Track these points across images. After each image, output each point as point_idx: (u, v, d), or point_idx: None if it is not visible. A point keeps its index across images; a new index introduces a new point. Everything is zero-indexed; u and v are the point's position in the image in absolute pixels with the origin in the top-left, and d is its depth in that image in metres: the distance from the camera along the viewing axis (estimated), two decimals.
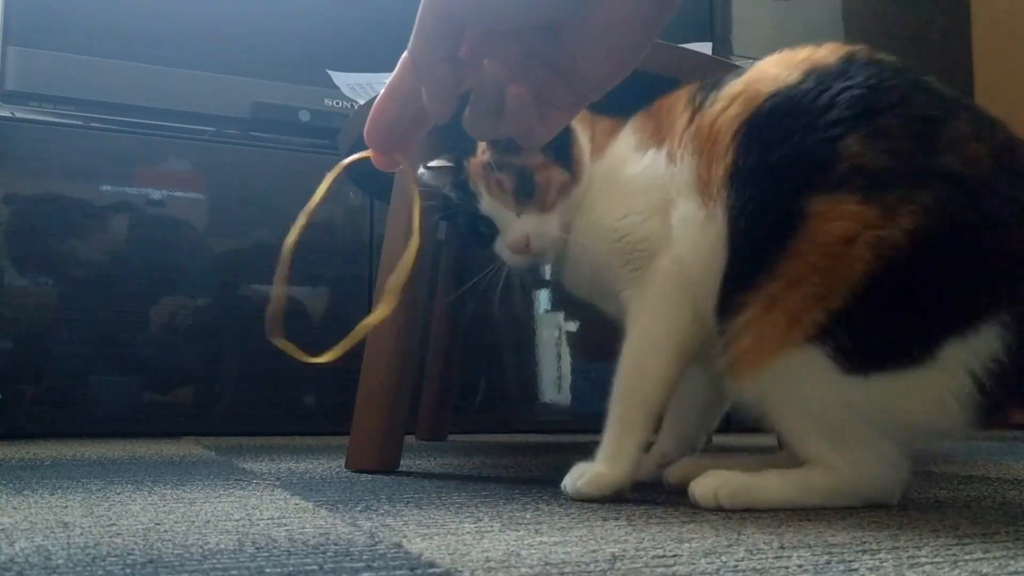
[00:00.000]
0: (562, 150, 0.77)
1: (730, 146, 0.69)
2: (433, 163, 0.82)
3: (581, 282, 0.82)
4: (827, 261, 0.63)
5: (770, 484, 0.68)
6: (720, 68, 0.94)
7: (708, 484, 0.67)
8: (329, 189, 0.52)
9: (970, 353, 0.62)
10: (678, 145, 0.74)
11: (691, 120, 0.74)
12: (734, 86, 0.72)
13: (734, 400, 0.72)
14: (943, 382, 0.63)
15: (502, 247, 0.79)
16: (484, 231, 0.79)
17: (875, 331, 0.63)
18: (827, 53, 0.70)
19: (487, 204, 0.78)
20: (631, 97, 0.75)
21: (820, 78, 0.67)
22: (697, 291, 0.71)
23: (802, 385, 0.66)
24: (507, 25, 0.46)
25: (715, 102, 0.72)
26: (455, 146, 0.81)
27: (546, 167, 0.77)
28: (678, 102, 0.76)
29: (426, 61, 0.46)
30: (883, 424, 0.65)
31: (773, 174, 0.67)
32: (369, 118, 0.50)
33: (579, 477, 0.71)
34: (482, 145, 0.79)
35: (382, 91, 0.50)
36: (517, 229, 0.77)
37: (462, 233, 0.84)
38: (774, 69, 0.71)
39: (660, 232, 0.73)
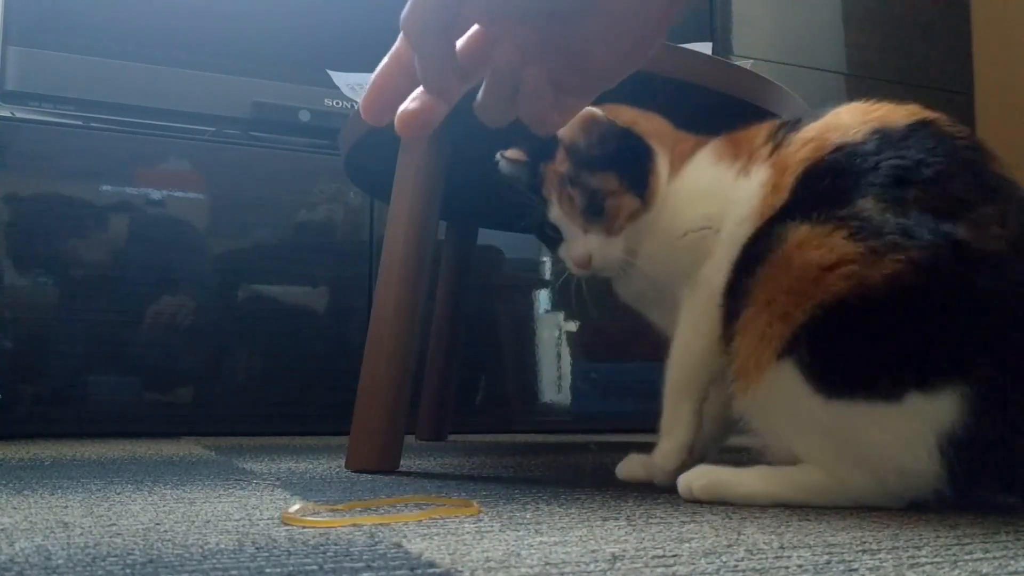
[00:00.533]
0: (638, 176, 0.79)
1: (790, 185, 0.71)
2: (509, 153, 0.84)
3: (635, 293, 0.85)
4: (798, 284, 0.64)
5: (750, 479, 0.68)
6: (721, 69, 0.94)
7: (686, 477, 0.69)
8: None
9: (929, 410, 0.61)
10: (754, 164, 0.75)
11: (771, 154, 0.75)
12: (809, 130, 0.73)
13: (744, 418, 0.73)
14: (906, 428, 0.62)
15: (566, 256, 0.82)
16: (551, 234, 0.82)
17: (844, 357, 0.64)
18: (902, 115, 0.70)
19: (556, 214, 0.80)
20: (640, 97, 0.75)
21: (881, 141, 0.68)
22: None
23: (782, 398, 0.66)
24: (513, 9, 0.45)
25: (791, 143, 0.74)
26: (532, 142, 0.82)
27: (619, 194, 0.78)
28: (759, 134, 0.78)
29: (420, 31, 0.44)
30: (854, 448, 0.65)
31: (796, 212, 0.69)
32: (368, 89, 0.49)
33: (653, 462, 0.78)
34: (561, 154, 0.80)
35: (382, 62, 0.49)
36: (581, 246, 0.79)
37: (533, 230, 0.88)
38: (847, 119, 0.72)
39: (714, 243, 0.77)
